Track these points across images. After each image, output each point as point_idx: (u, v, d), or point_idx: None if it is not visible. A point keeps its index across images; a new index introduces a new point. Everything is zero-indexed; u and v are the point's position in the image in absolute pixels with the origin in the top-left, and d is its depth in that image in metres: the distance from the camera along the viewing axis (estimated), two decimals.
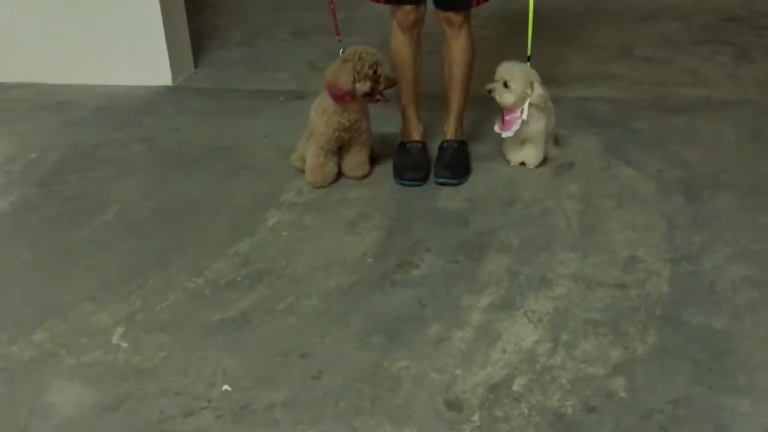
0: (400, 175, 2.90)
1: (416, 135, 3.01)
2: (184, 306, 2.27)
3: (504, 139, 2.92)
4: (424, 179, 2.88)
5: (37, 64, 3.84)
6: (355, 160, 2.90)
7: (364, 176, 2.92)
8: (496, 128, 2.89)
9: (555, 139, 3.06)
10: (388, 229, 2.62)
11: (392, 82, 2.81)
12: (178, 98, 3.72)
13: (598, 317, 2.15)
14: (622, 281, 2.31)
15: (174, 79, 3.82)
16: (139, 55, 3.77)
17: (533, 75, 2.81)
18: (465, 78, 2.93)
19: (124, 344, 2.12)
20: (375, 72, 2.73)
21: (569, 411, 1.84)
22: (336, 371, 2.00)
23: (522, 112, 2.80)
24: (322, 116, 2.80)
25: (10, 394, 1.96)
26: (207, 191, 2.90)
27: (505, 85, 2.77)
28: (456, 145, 2.94)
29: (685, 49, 4.18)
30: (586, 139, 3.17)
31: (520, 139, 2.90)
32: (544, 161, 2.95)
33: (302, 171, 2.90)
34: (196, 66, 4.03)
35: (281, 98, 3.65)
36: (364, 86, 2.72)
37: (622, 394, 1.89)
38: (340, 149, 2.87)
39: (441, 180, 2.84)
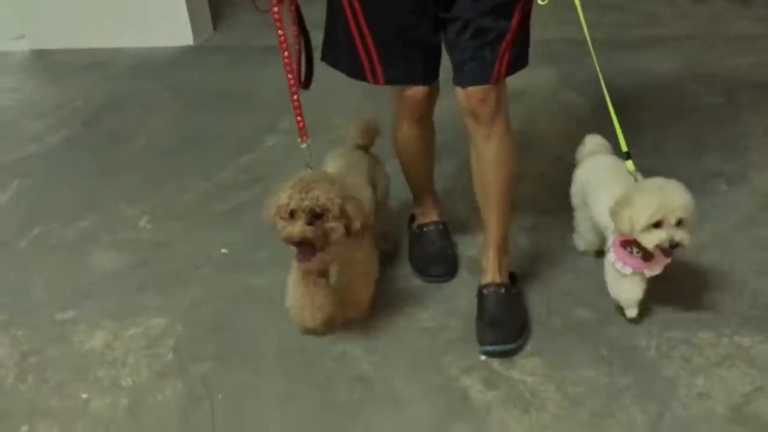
0: (421, 270, 2.34)
1: (433, 215, 2.44)
2: (195, 202, 2.88)
3: (618, 270, 2.04)
4: (451, 274, 2.33)
5: (78, 32, 4.51)
6: (349, 298, 2.13)
7: (357, 316, 2.16)
8: (621, 265, 2.01)
9: None
10: None
11: (357, 233, 1.93)
12: (198, 55, 4.35)
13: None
14: (545, 172, 2.85)
15: (195, 39, 4.46)
16: (164, 20, 4.42)
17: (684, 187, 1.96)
18: (505, 196, 2.13)
19: (149, 227, 2.74)
20: (316, 215, 1.86)
21: None
22: None
23: None
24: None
25: (63, 260, 2.59)
26: (219, 123, 3.51)
27: (679, 222, 1.91)
28: (503, 290, 2.13)
29: None
30: (542, 72, 3.68)
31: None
32: None
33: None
34: (215, 28, 4.66)
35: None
36: (292, 228, 1.86)
37: None
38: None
39: (490, 348, 2.02)
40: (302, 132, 2.06)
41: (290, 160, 3.09)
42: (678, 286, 2.18)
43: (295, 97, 2.04)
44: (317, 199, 1.85)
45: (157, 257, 2.56)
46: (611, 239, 2.04)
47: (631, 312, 2.06)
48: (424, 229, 2.42)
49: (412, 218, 2.51)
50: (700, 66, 3.66)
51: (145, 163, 3.22)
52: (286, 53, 2.00)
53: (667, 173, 2.00)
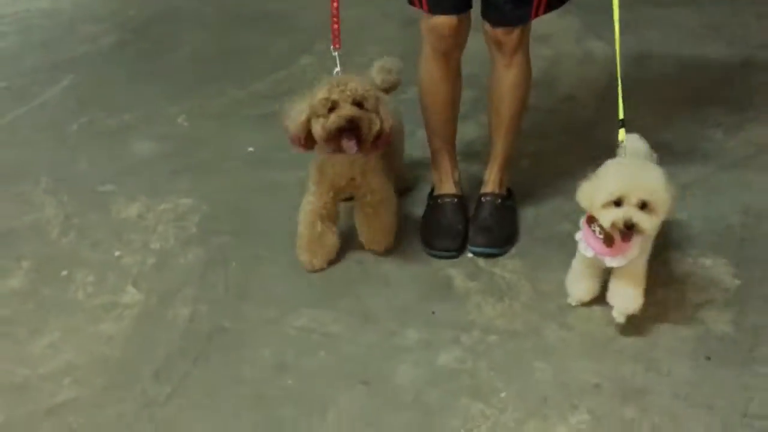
0: (427, 242, 2.29)
1: (450, 187, 2.41)
2: (229, 106, 3.15)
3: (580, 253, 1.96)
4: (458, 249, 2.28)
5: None
6: (371, 228, 2.21)
7: (385, 250, 2.25)
8: (584, 246, 1.93)
9: None
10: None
11: (385, 139, 2.03)
12: None
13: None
14: (555, 108, 3.04)
15: None
16: None
17: (663, 174, 1.82)
18: (515, 119, 2.32)
19: (185, 123, 3.01)
20: (358, 104, 1.96)
21: None
22: None
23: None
24: (312, 166, 2.17)
25: (106, 144, 2.89)
26: (260, 41, 3.73)
27: (643, 206, 1.78)
28: (499, 201, 2.35)
29: None
30: (568, 19, 3.82)
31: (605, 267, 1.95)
32: None
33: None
34: None
35: None
36: (341, 111, 1.94)
37: None
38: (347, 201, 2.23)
39: (477, 249, 2.26)
40: (336, 40, 2.14)
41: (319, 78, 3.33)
42: None
43: (335, 4, 2.14)
44: (356, 90, 1.95)
45: (190, 149, 2.83)
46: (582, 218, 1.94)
47: (577, 299, 2.05)
48: (439, 200, 2.38)
49: (432, 189, 2.48)
50: (723, 26, 3.77)
51: (188, 69, 3.47)
52: None
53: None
